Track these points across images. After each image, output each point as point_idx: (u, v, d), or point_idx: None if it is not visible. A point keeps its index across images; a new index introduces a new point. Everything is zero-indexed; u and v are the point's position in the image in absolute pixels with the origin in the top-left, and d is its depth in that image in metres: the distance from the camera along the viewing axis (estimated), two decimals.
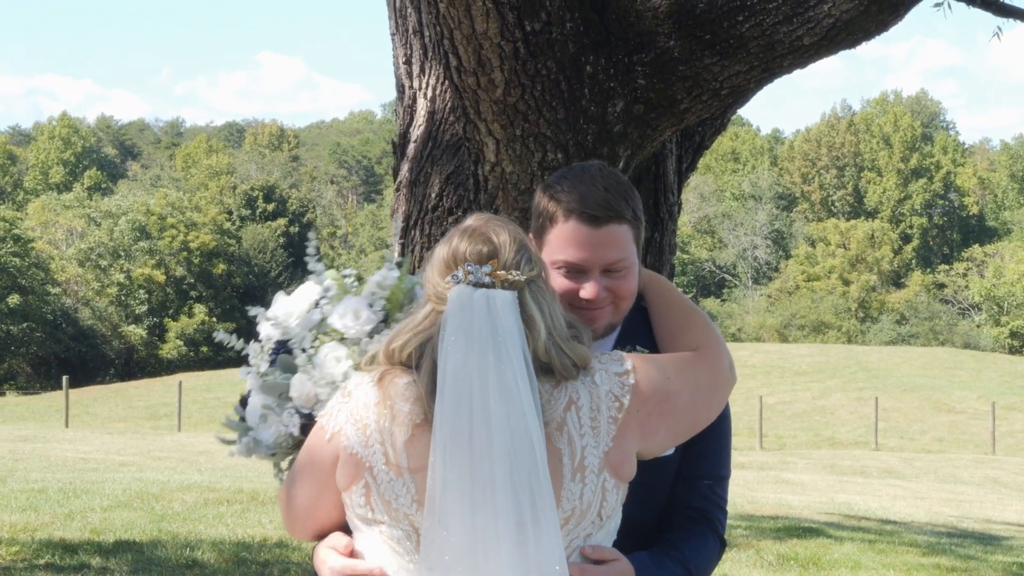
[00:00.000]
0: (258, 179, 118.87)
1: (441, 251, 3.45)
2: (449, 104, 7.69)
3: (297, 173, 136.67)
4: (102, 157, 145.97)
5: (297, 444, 3.69)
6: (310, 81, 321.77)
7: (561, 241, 3.72)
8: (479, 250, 3.38)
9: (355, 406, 3.39)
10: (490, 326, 3.27)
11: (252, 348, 3.79)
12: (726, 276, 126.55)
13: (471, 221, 3.51)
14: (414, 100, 8.06)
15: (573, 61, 6.72)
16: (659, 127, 6.89)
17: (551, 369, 3.36)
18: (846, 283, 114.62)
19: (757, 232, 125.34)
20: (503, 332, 3.26)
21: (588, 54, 6.77)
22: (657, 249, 8.13)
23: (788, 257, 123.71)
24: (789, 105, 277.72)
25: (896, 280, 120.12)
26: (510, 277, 3.35)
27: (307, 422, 3.67)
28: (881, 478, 32.71)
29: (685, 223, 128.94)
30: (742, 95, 6.92)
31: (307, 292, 3.80)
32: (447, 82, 7.22)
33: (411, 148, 7.98)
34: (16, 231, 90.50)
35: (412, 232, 8.06)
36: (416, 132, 8.01)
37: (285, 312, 3.77)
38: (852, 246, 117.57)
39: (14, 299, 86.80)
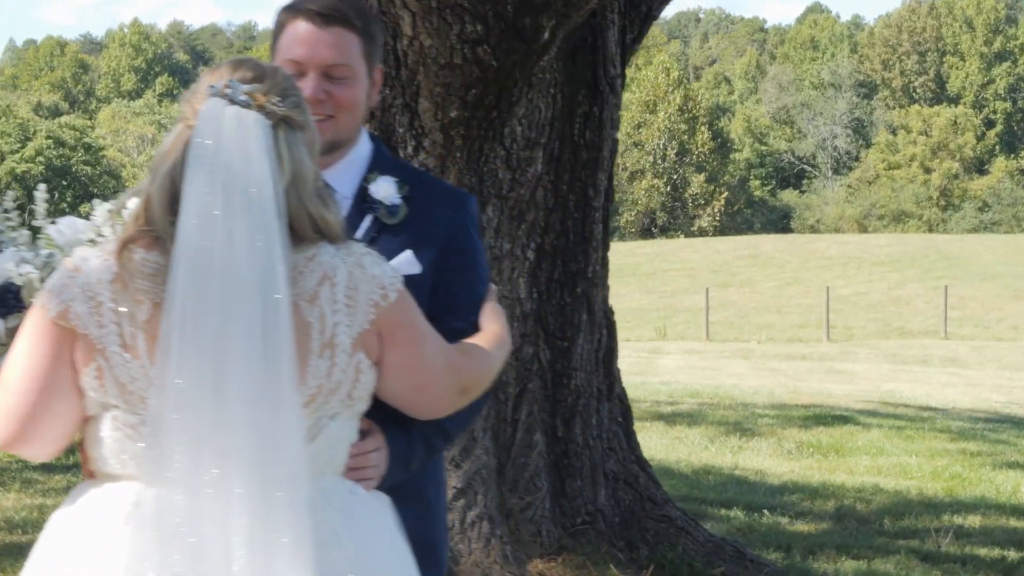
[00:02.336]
0: None
1: (207, 76, 3.24)
2: None
3: None
4: (173, 63, 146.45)
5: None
6: None
7: (287, 40, 3.70)
8: (245, 74, 3.19)
9: (85, 282, 3.14)
10: (241, 152, 3.06)
11: None
12: (805, 167, 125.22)
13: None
14: None
15: None
16: None
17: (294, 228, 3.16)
18: (927, 171, 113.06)
19: (837, 121, 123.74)
20: (254, 162, 3.06)
21: None
22: (597, 124, 7.95)
23: (868, 146, 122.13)
24: None
25: (979, 167, 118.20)
26: (269, 104, 3.13)
27: (3, 293, 3.40)
28: (943, 367, 32.31)
29: (763, 114, 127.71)
30: None
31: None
32: None
33: None
34: (87, 139, 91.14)
35: None
36: None
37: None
38: (934, 133, 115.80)
39: (85, 208, 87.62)
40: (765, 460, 14.81)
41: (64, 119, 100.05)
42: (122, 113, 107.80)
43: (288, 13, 3.72)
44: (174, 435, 3.02)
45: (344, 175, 3.78)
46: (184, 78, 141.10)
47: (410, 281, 3.50)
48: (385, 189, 3.75)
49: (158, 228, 3.11)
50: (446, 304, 3.70)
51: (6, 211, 3.56)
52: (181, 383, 3.01)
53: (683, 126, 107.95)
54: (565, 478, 8.10)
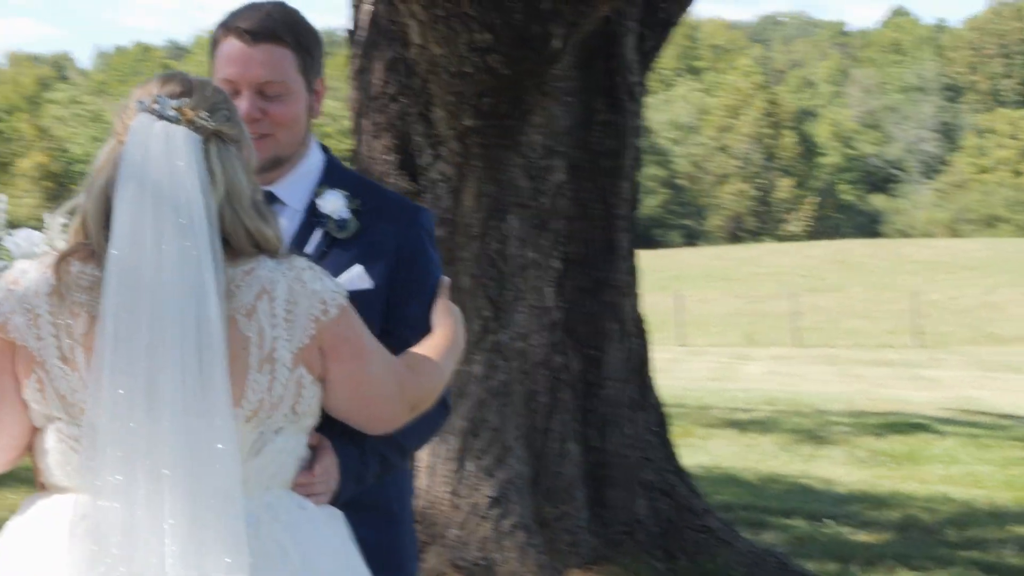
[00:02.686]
0: None
1: (136, 90, 3.23)
2: None
3: None
4: None
5: None
6: None
7: (220, 59, 3.66)
8: (173, 88, 3.18)
9: (24, 295, 3.16)
10: (168, 166, 3.06)
11: None
12: (894, 171, 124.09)
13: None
14: None
15: None
16: (592, 2, 6.67)
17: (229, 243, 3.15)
18: (1017, 174, 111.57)
19: (924, 125, 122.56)
20: (182, 176, 3.05)
21: None
22: (617, 131, 7.92)
23: (957, 150, 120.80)
24: None
25: None
26: (197, 119, 3.12)
27: None
28: None
29: (848, 118, 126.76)
30: None
31: None
32: None
33: (358, 36, 7.80)
34: None
35: (361, 120, 7.91)
36: (363, 19, 7.80)
37: None
38: (1022, 136, 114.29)
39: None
40: (835, 468, 14.61)
41: None
42: None
43: (221, 30, 3.69)
44: (108, 447, 3.03)
45: (294, 188, 3.74)
46: None
47: (362, 296, 3.47)
48: (333, 203, 3.70)
49: (93, 242, 3.12)
50: (400, 317, 3.65)
51: None
52: (114, 395, 3.02)
53: (768, 130, 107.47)
54: (601, 488, 8.04)
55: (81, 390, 3.11)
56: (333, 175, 3.77)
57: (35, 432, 3.25)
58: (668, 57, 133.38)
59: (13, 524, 3.28)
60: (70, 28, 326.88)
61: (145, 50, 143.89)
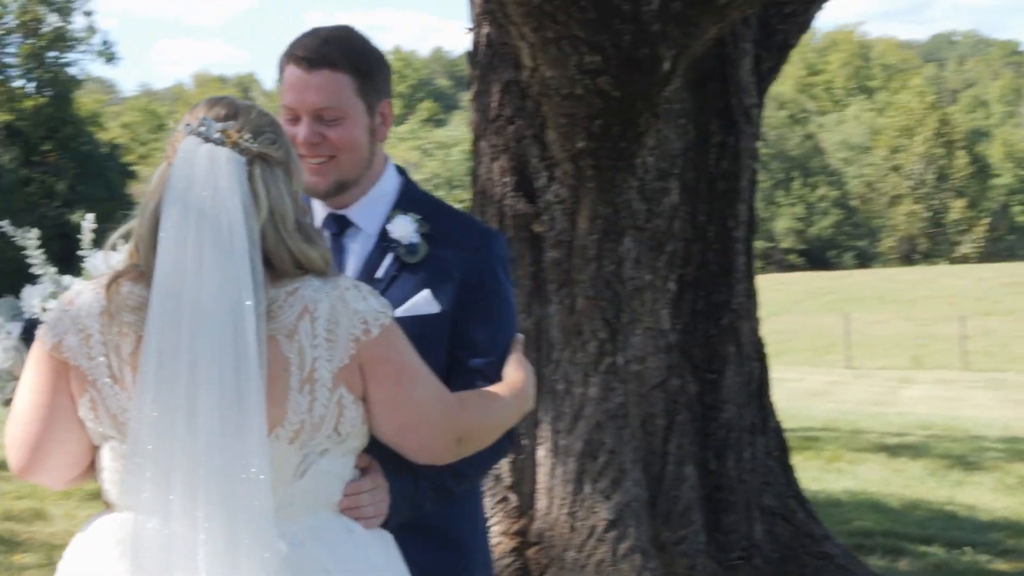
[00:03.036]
0: None
1: (186, 114, 3.30)
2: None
3: None
4: (436, 89, 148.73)
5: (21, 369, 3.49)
6: None
7: (283, 87, 3.74)
8: (219, 111, 3.24)
9: (77, 315, 3.23)
10: (211, 187, 3.11)
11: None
12: None
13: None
14: (482, 7, 7.91)
15: None
16: (701, 24, 6.64)
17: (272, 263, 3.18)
18: None
19: None
20: (224, 197, 3.10)
21: None
22: (733, 154, 7.86)
23: None
24: None
25: None
26: (242, 141, 3.18)
27: (30, 326, 3.52)
28: None
29: (1022, 138, 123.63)
30: None
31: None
32: None
33: (477, 58, 7.86)
34: None
35: (480, 143, 7.96)
36: (481, 41, 7.86)
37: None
38: None
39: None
40: (982, 495, 14.26)
41: None
42: (389, 138, 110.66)
43: (283, 59, 3.76)
44: (148, 465, 3.07)
45: (367, 212, 3.77)
46: (446, 104, 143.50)
47: (428, 320, 3.52)
48: (403, 228, 3.72)
49: (142, 263, 3.18)
50: (466, 342, 3.65)
51: (36, 248, 3.67)
52: (154, 413, 3.06)
53: (941, 151, 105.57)
54: (719, 512, 7.97)
55: (130, 409, 3.14)
56: (408, 199, 3.81)
57: (96, 450, 3.30)
58: (840, 76, 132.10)
59: (75, 541, 3.36)
60: (258, 50, 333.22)
61: None
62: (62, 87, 78.14)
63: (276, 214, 3.19)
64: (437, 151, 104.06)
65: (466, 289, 3.69)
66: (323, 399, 3.18)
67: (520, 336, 3.72)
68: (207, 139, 3.16)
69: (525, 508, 7.91)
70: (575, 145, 7.14)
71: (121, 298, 3.18)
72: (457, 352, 3.61)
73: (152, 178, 3.26)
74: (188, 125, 3.20)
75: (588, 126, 7.05)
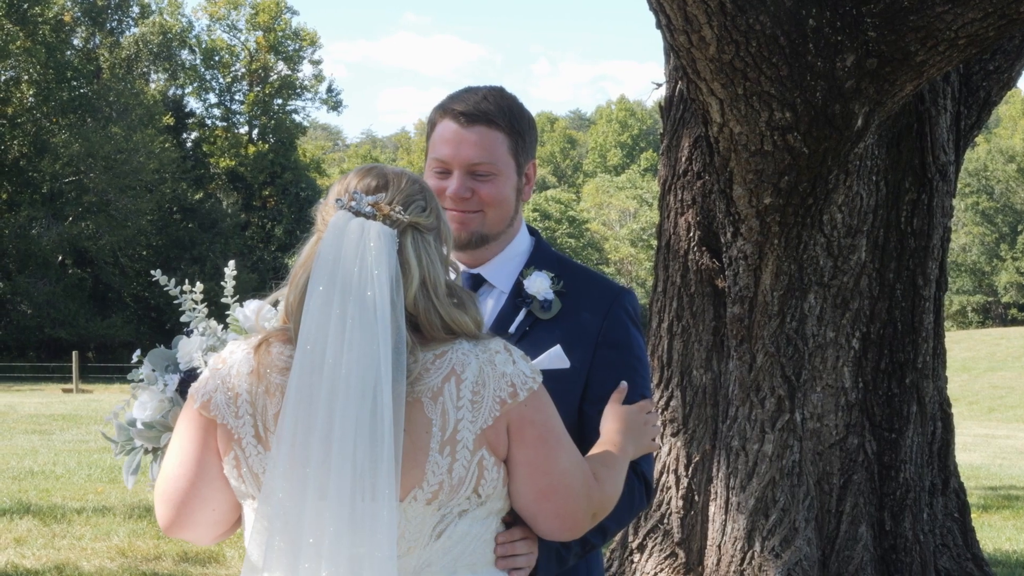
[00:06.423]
0: None
1: (336, 185, 3.35)
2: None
3: None
4: (658, 140, 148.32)
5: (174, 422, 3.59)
6: None
7: (435, 140, 3.80)
8: (369, 183, 3.27)
9: (227, 374, 3.28)
10: (359, 261, 3.13)
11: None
12: None
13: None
14: (675, 62, 7.92)
15: (791, 15, 6.45)
16: (896, 82, 6.55)
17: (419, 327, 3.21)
18: None
19: None
20: (371, 271, 3.12)
21: (810, 7, 6.49)
22: (925, 211, 7.72)
23: None
24: None
25: None
26: (393, 213, 3.21)
27: (187, 378, 3.61)
28: None
29: None
30: (983, 44, 6.44)
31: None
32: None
33: (670, 112, 7.88)
34: (571, 212, 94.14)
35: (667, 197, 7.98)
36: (675, 96, 7.89)
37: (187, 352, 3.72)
38: None
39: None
40: None
41: (550, 192, 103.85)
42: (605, 187, 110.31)
43: (437, 113, 3.83)
44: (279, 527, 3.12)
45: (501, 270, 3.85)
46: None
47: (560, 376, 3.55)
48: (539, 284, 3.79)
49: (292, 330, 3.25)
50: (599, 398, 3.68)
51: (195, 301, 3.79)
52: (287, 477, 3.11)
53: None
54: (893, 573, 7.81)
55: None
56: (540, 258, 3.87)
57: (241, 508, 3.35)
58: None
59: None
60: None
61: (549, 120, 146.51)
62: (286, 133, 79.98)
63: (427, 282, 3.22)
64: (655, 201, 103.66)
65: (599, 346, 3.74)
66: (463, 460, 3.18)
67: (624, 384, 3.69)
68: (358, 213, 3.20)
69: (693, 565, 7.88)
70: (762, 201, 7.11)
71: (271, 359, 3.24)
72: (588, 409, 3.65)
73: (302, 251, 3.31)
74: (339, 200, 3.24)
75: (776, 182, 7.02)
